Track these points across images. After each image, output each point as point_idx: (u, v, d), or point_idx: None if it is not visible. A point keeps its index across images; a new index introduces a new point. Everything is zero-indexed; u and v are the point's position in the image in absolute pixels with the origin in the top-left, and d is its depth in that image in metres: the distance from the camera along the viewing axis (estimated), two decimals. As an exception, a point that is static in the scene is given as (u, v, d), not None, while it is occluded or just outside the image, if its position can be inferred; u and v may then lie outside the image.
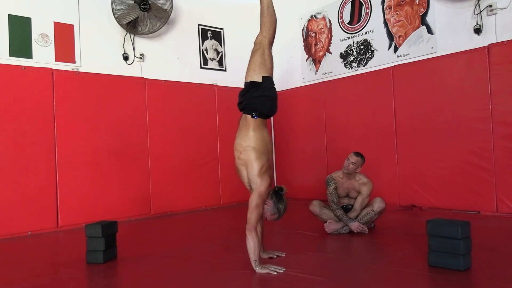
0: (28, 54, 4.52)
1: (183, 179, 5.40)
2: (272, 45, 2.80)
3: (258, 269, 2.49)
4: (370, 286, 2.27)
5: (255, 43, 2.73)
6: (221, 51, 6.25)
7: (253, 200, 2.49)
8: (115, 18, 5.00)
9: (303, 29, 6.34)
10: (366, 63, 5.43)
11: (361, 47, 5.49)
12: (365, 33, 5.43)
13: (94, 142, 4.69)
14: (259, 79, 2.62)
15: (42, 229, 4.27)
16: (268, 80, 2.65)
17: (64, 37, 4.78)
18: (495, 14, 4.20)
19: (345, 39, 5.71)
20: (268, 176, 2.54)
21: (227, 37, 6.31)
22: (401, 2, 5.02)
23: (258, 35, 2.74)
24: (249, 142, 2.57)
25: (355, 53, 5.58)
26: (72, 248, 3.51)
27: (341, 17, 5.76)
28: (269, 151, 2.65)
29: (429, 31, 4.75)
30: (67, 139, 4.51)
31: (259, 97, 2.61)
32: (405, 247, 2.97)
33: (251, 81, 2.64)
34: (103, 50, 5.08)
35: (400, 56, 5.03)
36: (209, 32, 6.13)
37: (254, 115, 2.59)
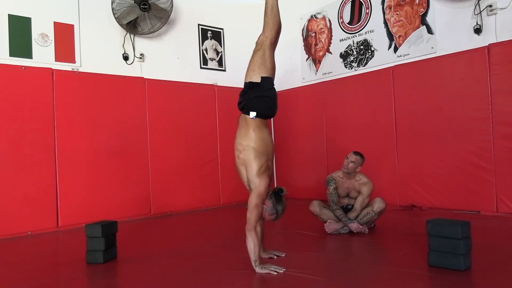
0: (28, 54, 4.52)
1: (183, 179, 5.40)
2: (275, 46, 2.78)
3: (258, 269, 2.49)
4: (370, 286, 2.27)
5: (256, 43, 2.71)
6: (221, 51, 6.25)
7: (252, 200, 2.49)
8: (115, 18, 5.00)
9: (303, 29, 6.34)
10: (366, 63, 5.43)
11: (361, 47, 5.49)
12: (365, 33, 5.43)
13: (94, 142, 4.69)
14: (258, 80, 2.60)
15: (42, 229, 4.27)
16: (267, 81, 2.63)
17: (64, 37, 4.78)
18: (495, 14, 4.20)
19: (345, 39, 5.71)
20: (267, 176, 2.54)
21: (227, 37, 6.31)
22: (401, 2, 5.02)
23: (260, 35, 2.72)
24: (249, 142, 2.56)
25: (355, 53, 5.58)
26: (72, 248, 3.51)
27: (341, 17, 5.76)
28: (269, 151, 2.64)
29: (429, 31, 4.75)
30: (67, 139, 4.51)
31: (257, 98, 2.59)
32: (405, 247, 2.97)
33: (249, 82, 2.63)
34: (103, 50, 5.08)
35: (400, 56, 5.03)
36: (209, 32, 6.13)
37: (252, 116, 2.59)
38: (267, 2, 2.73)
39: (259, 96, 2.59)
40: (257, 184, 2.49)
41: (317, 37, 6.10)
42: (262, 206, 2.53)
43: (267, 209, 2.58)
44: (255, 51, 2.69)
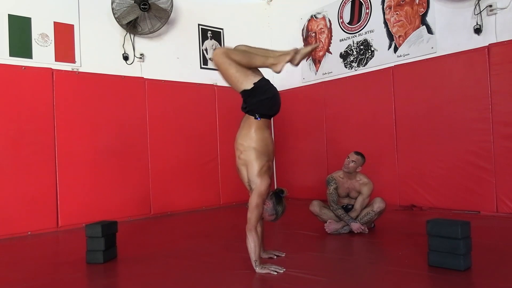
0: (28, 54, 4.52)
1: (183, 179, 5.40)
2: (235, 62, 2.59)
3: (258, 269, 2.49)
4: (370, 286, 2.27)
5: (214, 57, 2.60)
6: (221, 51, 6.24)
7: (253, 200, 2.49)
8: (115, 18, 5.00)
9: (303, 29, 6.34)
10: (366, 63, 5.43)
11: (361, 47, 5.49)
12: (365, 33, 5.43)
13: (94, 142, 4.69)
14: (251, 86, 2.55)
15: (42, 229, 4.27)
16: (261, 83, 2.57)
17: (64, 37, 4.78)
18: (495, 14, 4.20)
19: (345, 39, 5.71)
20: (268, 176, 2.54)
21: (227, 37, 6.31)
22: (401, 2, 5.02)
23: (221, 50, 2.62)
24: (250, 142, 2.56)
25: (355, 53, 5.58)
26: (72, 248, 3.51)
27: (341, 17, 5.76)
28: (270, 151, 2.64)
29: (429, 31, 4.75)
30: (67, 139, 4.51)
31: (259, 102, 2.56)
32: (405, 247, 2.97)
33: (244, 90, 2.57)
34: (103, 50, 5.08)
35: (400, 56, 5.03)
36: (209, 32, 6.13)
37: (257, 117, 2.58)
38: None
39: (260, 100, 2.57)
40: (258, 184, 2.49)
41: (317, 37, 6.10)
42: (263, 206, 2.54)
43: (267, 210, 2.58)
44: (220, 65, 2.58)
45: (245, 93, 2.59)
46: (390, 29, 5.15)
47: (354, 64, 5.59)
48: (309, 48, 2.69)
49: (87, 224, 2.98)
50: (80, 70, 4.80)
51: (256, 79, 2.58)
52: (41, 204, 4.30)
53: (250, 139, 2.57)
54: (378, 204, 3.51)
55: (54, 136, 4.45)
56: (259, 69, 2.70)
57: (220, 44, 6.22)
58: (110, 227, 3.01)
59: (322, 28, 6.04)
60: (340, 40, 5.77)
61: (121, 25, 5.09)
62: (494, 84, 4.10)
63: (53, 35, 4.70)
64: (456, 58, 4.40)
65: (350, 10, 5.64)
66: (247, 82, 2.55)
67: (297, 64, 2.69)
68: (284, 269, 2.50)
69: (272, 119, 2.78)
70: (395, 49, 5.09)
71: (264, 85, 2.60)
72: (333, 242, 3.35)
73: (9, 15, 4.43)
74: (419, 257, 2.65)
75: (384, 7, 5.20)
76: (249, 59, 2.58)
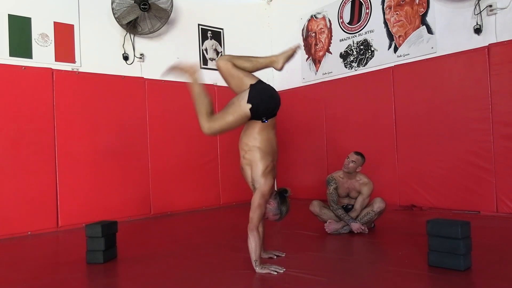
0: (28, 54, 4.52)
1: (183, 179, 5.40)
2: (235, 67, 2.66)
3: (258, 269, 2.49)
4: (370, 286, 2.27)
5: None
6: (221, 51, 6.25)
7: (256, 199, 2.49)
8: (115, 18, 5.00)
9: (303, 29, 6.34)
10: (366, 63, 5.43)
11: (361, 47, 5.49)
12: (365, 33, 5.44)
13: (94, 142, 4.69)
14: (248, 107, 2.51)
15: (42, 229, 4.27)
16: (252, 94, 2.53)
17: (64, 37, 4.78)
18: (495, 14, 4.20)
19: (345, 39, 5.71)
20: (272, 177, 2.55)
21: (227, 37, 6.31)
22: (401, 2, 5.02)
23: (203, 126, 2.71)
24: (254, 142, 2.56)
25: (355, 53, 5.58)
26: (72, 248, 3.51)
27: (341, 17, 5.76)
28: (274, 151, 2.64)
29: (429, 31, 4.75)
30: (67, 139, 4.51)
31: (263, 110, 2.55)
32: (405, 247, 2.97)
33: (250, 116, 2.57)
34: (103, 50, 5.08)
35: (400, 56, 5.03)
36: (209, 32, 6.13)
37: (264, 120, 2.57)
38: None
39: (263, 109, 2.55)
40: (261, 184, 2.49)
41: (317, 37, 6.10)
42: (265, 206, 2.53)
43: (271, 209, 2.58)
44: (224, 128, 2.62)
45: (250, 114, 2.56)
46: (390, 29, 5.15)
47: (354, 64, 5.59)
48: (290, 52, 2.74)
49: (87, 224, 2.98)
50: (80, 70, 4.80)
51: (246, 95, 2.53)
52: (41, 204, 4.30)
53: (255, 139, 2.56)
54: (378, 204, 3.52)
55: (54, 136, 4.44)
56: (245, 76, 2.64)
57: (220, 44, 6.22)
58: (110, 227, 3.01)
59: (322, 28, 6.04)
60: (340, 40, 5.77)
61: (121, 25, 5.09)
62: (494, 84, 4.10)
63: (53, 35, 4.70)
64: (456, 58, 4.40)
65: (350, 10, 5.64)
66: (245, 108, 2.52)
67: (280, 69, 2.76)
68: (284, 269, 2.50)
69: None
70: (395, 49, 5.09)
71: (255, 94, 2.53)
72: (333, 242, 3.35)
73: (9, 15, 4.43)
74: (419, 257, 2.65)
75: (384, 7, 5.20)
76: (206, 99, 2.82)
